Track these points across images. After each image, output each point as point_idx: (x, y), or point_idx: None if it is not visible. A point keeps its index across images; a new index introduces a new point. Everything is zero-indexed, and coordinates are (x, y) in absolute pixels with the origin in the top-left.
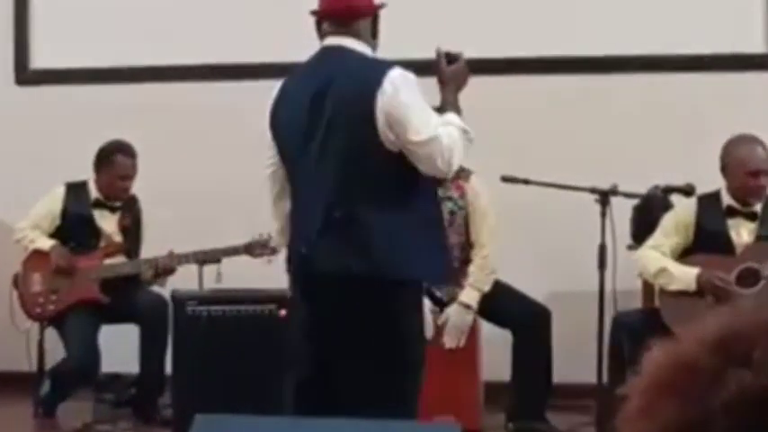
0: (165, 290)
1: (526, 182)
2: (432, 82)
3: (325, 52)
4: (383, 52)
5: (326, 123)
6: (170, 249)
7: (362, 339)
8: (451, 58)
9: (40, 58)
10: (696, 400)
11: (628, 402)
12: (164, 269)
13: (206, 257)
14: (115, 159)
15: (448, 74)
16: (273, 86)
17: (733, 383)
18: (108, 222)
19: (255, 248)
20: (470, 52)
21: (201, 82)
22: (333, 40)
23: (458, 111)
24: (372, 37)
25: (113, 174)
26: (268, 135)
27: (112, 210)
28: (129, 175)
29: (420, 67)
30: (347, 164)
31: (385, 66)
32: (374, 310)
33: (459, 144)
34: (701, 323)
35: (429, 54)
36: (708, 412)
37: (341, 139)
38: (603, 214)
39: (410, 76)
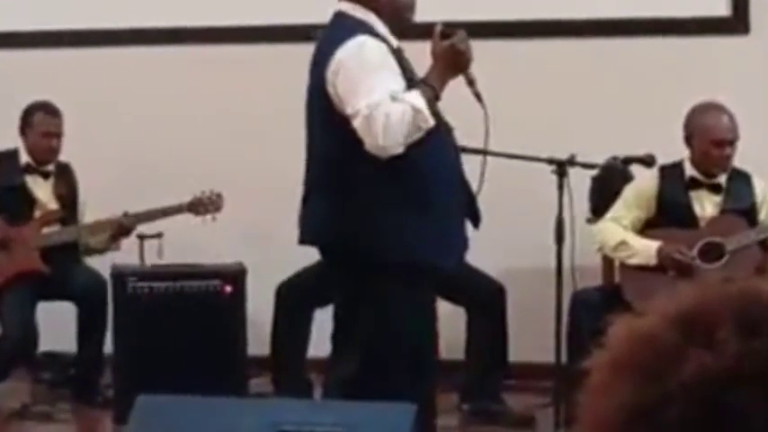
0: (104, 265)
1: (479, 152)
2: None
3: (331, 19)
4: None
5: (308, 98)
6: (124, 210)
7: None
8: (446, 35)
9: None
10: (654, 378)
11: (589, 377)
12: (122, 228)
13: (150, 217)
14: (36, 117)
15: (436, 51)
16: (202, 51)
17: (693, 363)
18: (42, 190)
19: (198, 206)
20: (422, 16)
21: (132, 46)
22: (337, 5)
23: (432, 90)
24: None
25: (37, 132)
26: None
27: (45, 176)
28: (53, 132)
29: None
30: (319, 138)
31: (346, 35)
32: (358, 295)
33: (403, 125)
34: (667, 297)
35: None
36: (666, 392)
37: (315, 113)
38: (561, 186)
39: (366, 45)
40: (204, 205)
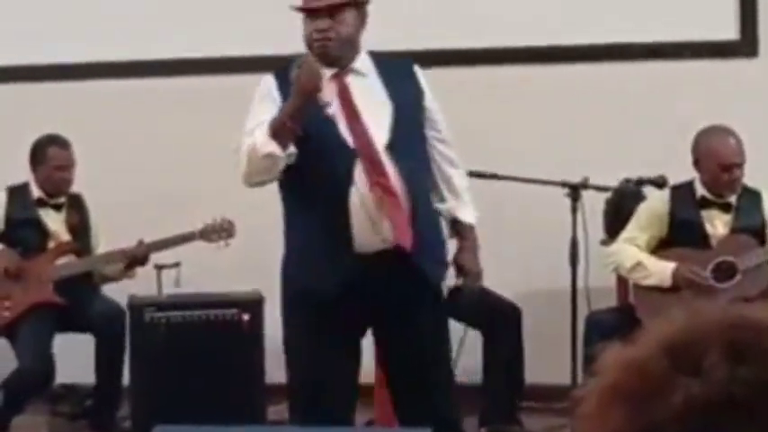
0: (122, 295)
1: (494, 176)
2: None
3: None
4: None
5: None
6: (140, 239)
7: None
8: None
9: None
10: (644, 406)
11: (583, 404)
12: (136, 258)
13: (163, 246)
14: (48, 151)
15: (291, 79)
16: (215, 81)
17: (681, 391)
18: (54, 222)
19: (211, 233)
20: (437, 43)
21: (144, 78)
22: None
23: (278, 122)
24: None
25: (49, 166)
26: None
27: (57, 208)
28: (66, 166)
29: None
30: None
31: None
32: None
33: (245, 157)
34: (661, 323)
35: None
36: (655, 420)
37: None
38: (574, 209)
39: (262, 81)
40: (217, 232)
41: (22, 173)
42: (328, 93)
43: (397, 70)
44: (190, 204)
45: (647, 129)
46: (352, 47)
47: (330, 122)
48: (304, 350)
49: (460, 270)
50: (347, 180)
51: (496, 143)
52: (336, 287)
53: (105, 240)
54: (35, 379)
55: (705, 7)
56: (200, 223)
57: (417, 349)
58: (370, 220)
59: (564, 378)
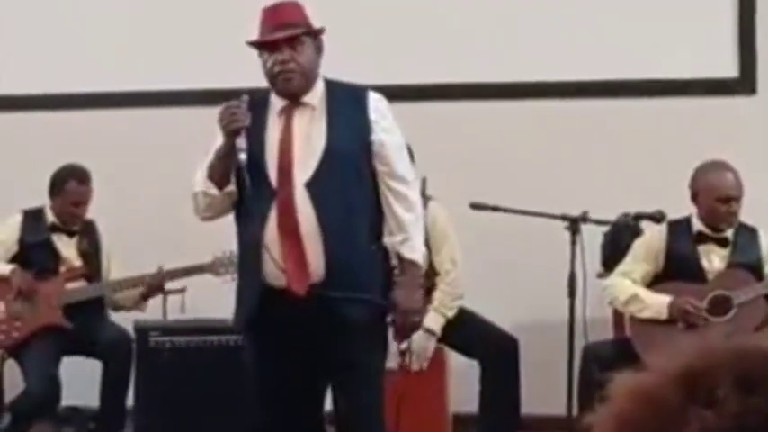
0: (127, 321)
1: (495, 209)
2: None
3: None
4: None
5: None
6: (160, 266)
7: None
8: None
9: (3, 84)
10: None
11: None
12: (153, 286)
13: (171, 276)
14: (68, 186)
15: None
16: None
17: (695, 422)
18: (67, 247)
19: (218, 266)
20: (439, 77)
21: (160, 108)
22: None
23: (210, 162)
24: None
25: (66, 200)
26: None
27: (70, 234)
28: (82, 202)
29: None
30: None
31: None
32: None
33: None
34: (669, 354)
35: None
36: None
37: None
38: (573, 242)
39: None
40: (225, 266)
41: (39, 198)
42: (274, 127)
43: (348, 101)
44: (202, 233)
45: (646, 164)
46: (312, 77)
47: (261, 161)
48: (254, 373)
49: (393, 306)
50: (262, 219)
51: (498, 176)
52: (244, 318)
53: (117, 268)
54: (41, 401)
55: (705, 46)
56: (209, 254)
57: (337, 381)
58: (275, 262)
59: (559, 409)
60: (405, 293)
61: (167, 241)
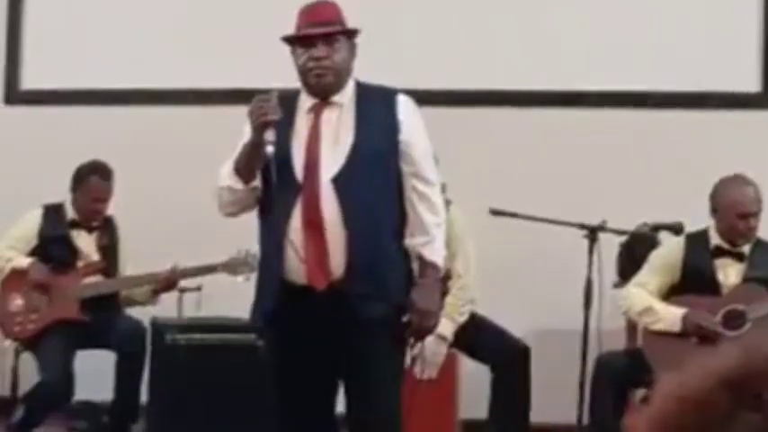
0: (144, 317)
1: (514, 215)
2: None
3: None
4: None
5: None
6: (174, 264)
7: None
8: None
9: (30, 79)
10: None
11: None
12: (167, 284)
13: (186, 274)
14: (90, 181)
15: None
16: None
17: (742, 425)
18: (85, 242)
19: (234, 266)
20: (462, 84)
21: (186, 106)
22: None
23: (237, 156)
24: None
25: (88, 195)
26: None
27: (89, 230)
28: (104, 198)
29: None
30: None
31: None
32: None
33: (216, 189)
34: (714, 356)
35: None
36: None
37: None
38: (591, 251)
39: None
40: (240, 265)
41: (60, 193)
42: (303, 124)
43: (378, 102)
44: (219, 231)
45: (666, 175)
46: (345, 77)
47: (287, 157)
48: (276, 370)
49: (410, 306)
50: (287, 214)
51: (518, 183)
52: (263, 312)
53: (133, 264)
54: (56, 393)
55: (729, 59)
56: (225, 253)
57: (353, 381)
58: (298, 256)
59: (570, 418)
60: (423, 294)
61: (184, 239)
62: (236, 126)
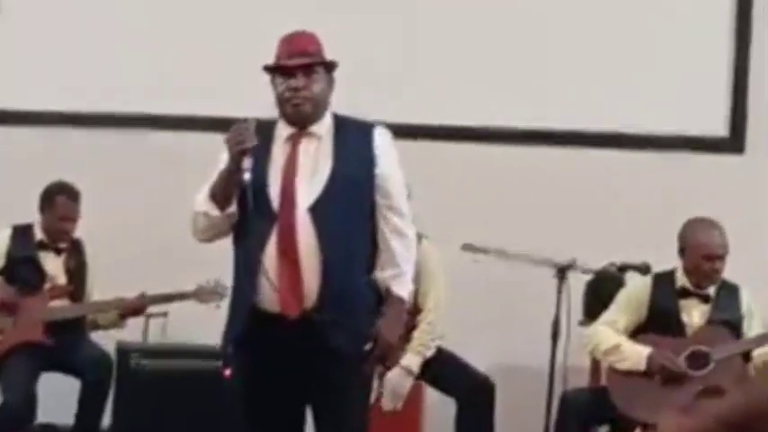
0: (108, 341)
1: (486, 251)
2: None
3: None
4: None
5: None
6: (141, 291)
7: None
8: None
9: None
10: None
11: None
12: (131, 310)
13: (155, 301)
14: (57, 200)
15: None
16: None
17: None
18: (53, 264)
19: (202, 294)
20: (437, 119)
21: (149, 130)
22: None
23: (213, 183)
24: None
25: (55, 215)
26: None
27: (57, 252)
28: (71, 217)
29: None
30: None
31: None
32: None
33: (191, 215)
34: (720, 400)
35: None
36: None
37: None
38: (560, 288)
39: None
40: (209, 294)
41: (30, 214)
42: (280, 153)
43: (355, 134)
44: (188, 258)
45: (635, 215)
46: (322, 108)
47: (264, 185)
48: (243, 397)
49: (375, 337)
50: (262, 242)
51: (490, 219)
52: (234, 337)
53: (99, 288)
54: (18, 416)
55: (698, 104)
56: (194, 281)
57: (320, 410)
58: (271, 283)
59: None
60: (388, 326)
61: (153, 265)
62: (206, 153)
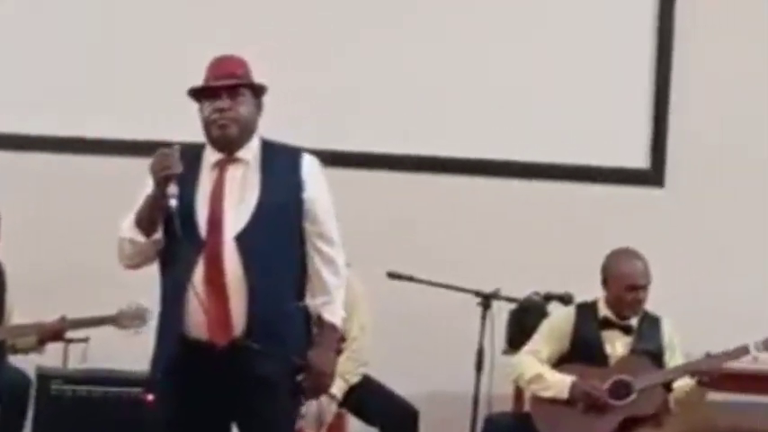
0: (27, 365)
1: (411, 279)
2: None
3: None
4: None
5: None
6: (62, 315)
7: None
8: None
9: None
10: None
11: None
12: (50, 334)
13: (75, 325)
14: None
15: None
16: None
17: None
18: None
19: (123, 320)
20: (363, 147)
21: (69, 153)
22: None
23: (138, 209)
24: None
25: None
26: None
27: None
28: None
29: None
30: None
31: None
32: None
33: (118, 242)
34: (662, 428)
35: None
36: None
37: None
38: (484, 317)
39: None
40: (130, 319)
41: None
42: (207, 180)
43: (283, 160)
44: (109, 283)
45: (558, 245)
46: (249, 132)
47: (191, 212)
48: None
49: (307, 366)
50: (189, 270)
51: (416, 247)
52: (162, 367)
53: (19, 312)
54: None
55: (621, 137)
56: (115, 305)
57: None
58: (199, 312)
59: None
60: (320, 355)
61: (73, 289)
62: (128, 177)
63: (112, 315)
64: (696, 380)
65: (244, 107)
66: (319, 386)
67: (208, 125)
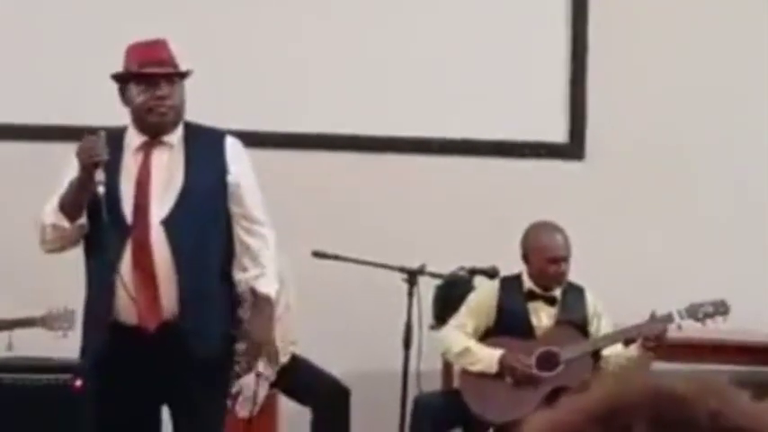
0: None
1: (336, 257)
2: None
3: None
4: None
5: None
6: None
7: None
8: None
9: None
10: None
11: None
12: None
13: (7, 326)
14: None
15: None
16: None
17: None
18: None
19: (51, 321)
20: (286, 126)
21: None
22: None
23: (63, 195)
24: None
25: None
26: None
27: None
28: None
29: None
30: None
31: None
32: None
33: (39, 227)
34: (586, 393)
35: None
36: None
37: None
38: (411, 293)
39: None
40: (57, 321)
41: None
42: (132, 163)
43: (206, 143)
44: (35, 282)
45: (482, 221)
46: (181, 117)
47: (116, 198)
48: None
49: (246, 337)
50: (116, 255)
51: (340, 225)
52: (93, 355)
53: None
54: None
55: (538, 111)
56: (40, 306)
57: (182, 417)
58: (129, 297)
59: None
60: (257, 325)
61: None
62: (54, 163)
63: (40, 316)
64: (641, 344)
65: (178, 94)
66: (257, 355)
67: (143, 111)
